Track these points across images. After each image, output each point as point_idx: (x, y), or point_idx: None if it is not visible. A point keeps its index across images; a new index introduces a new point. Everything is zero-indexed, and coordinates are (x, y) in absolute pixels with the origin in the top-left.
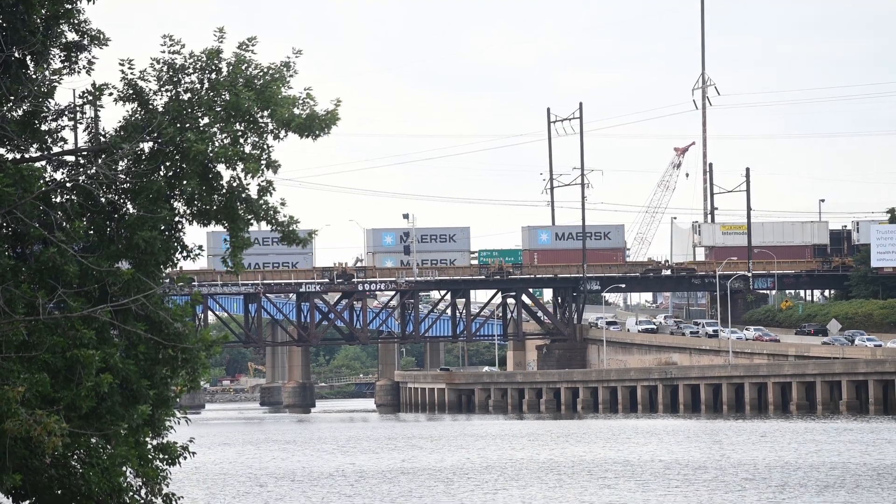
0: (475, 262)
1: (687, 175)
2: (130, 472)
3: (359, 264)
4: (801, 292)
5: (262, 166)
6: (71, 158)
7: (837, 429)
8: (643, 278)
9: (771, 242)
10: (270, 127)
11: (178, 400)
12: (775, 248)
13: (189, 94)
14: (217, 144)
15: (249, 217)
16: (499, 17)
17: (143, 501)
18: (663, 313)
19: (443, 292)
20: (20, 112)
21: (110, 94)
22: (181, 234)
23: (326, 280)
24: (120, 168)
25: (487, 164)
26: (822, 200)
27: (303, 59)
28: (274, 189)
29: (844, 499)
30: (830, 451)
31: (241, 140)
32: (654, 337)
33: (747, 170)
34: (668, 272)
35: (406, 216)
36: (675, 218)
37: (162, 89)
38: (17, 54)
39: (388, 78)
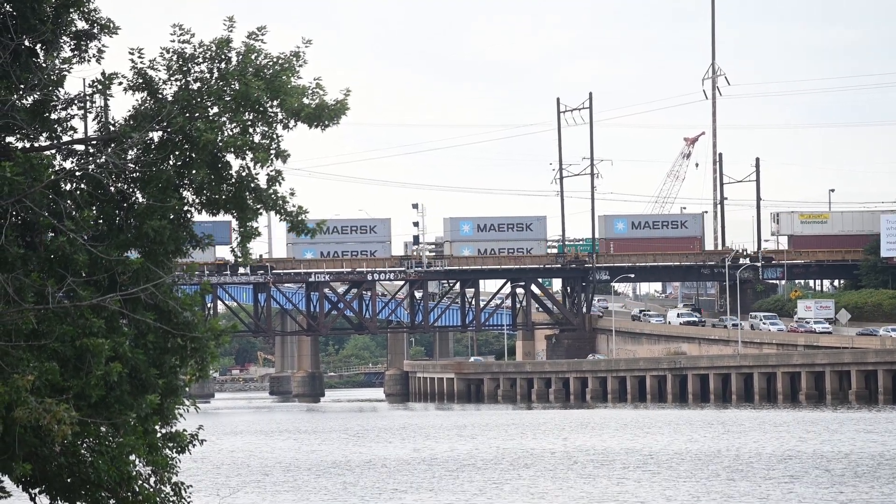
0: (554, 250)
1: (697, 165)
2: (139, 461)
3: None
4: (811, 282)
5: (272, 156)
6: (80, 147)
7: (862, 418)
8: (652, 268)
9: (850, 231)
10: (280, 117)
11: (187, 389)
12: (854, 238)
13: (199, 84)
14: (226, 134)
15: (258, 207)
16: (508, 6)
17: (152, 490)
18: (672, 303)
19: (452, 282)
20: (30, 101)
21: (120, 84)
22: (191, 223)
23: (403, 268)
24: (129, 157)
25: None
26: (832, 190)
27: (312, 48)
28: (283, 179)
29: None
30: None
31: (251, 130)
32: (664, 327)
33: (757, 160)
34: (747, 261)
35: (416, 206)
36: (684, 208)
37: (171, 78)
38: (27, 43)
39: (396, 67)
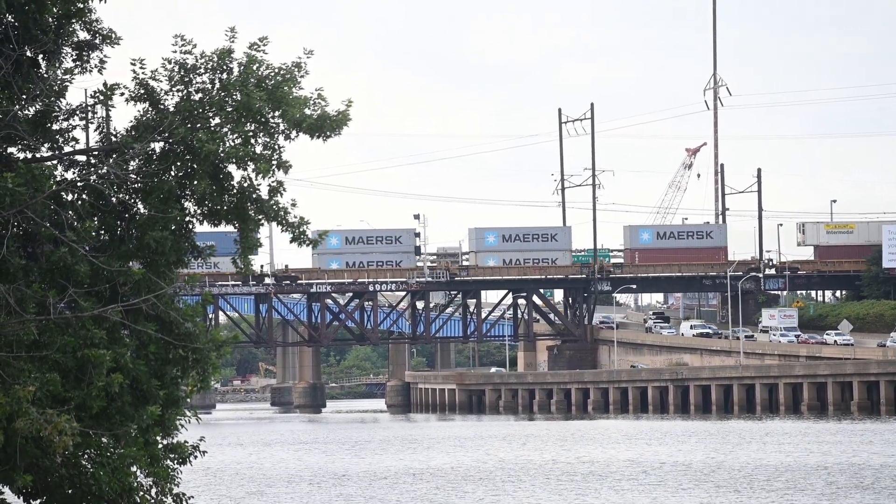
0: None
1: (698, 176)
2: (141, 472)
3: (464, 262)
4: (813, 293)
5: (273, 167)
6: (82, 158)
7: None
8: (654, 279)
9: (876, 241)
10: (281, 127)
11: (188, 400)
12: (880, 248)
13: (200, 94)
14: (228, 144)
15: (260, 218)
16: (509, 16)
17: (153, 501)
18: (674, 314)
19: (453, 293)
20: (32, 111)
21: (122, 94)
22: (192, 234)
23: (429, 279)
24: (131, 168)
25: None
26: (834, 201)
27: (313, 58)
28: (285, 190)
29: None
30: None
31: (252, 140)
32: (666, 338)
33: (759, 170)
34: (772, 271)
35: (417, 217)
36: (685, 219)
37: (173, 89)
38: (28, 53)
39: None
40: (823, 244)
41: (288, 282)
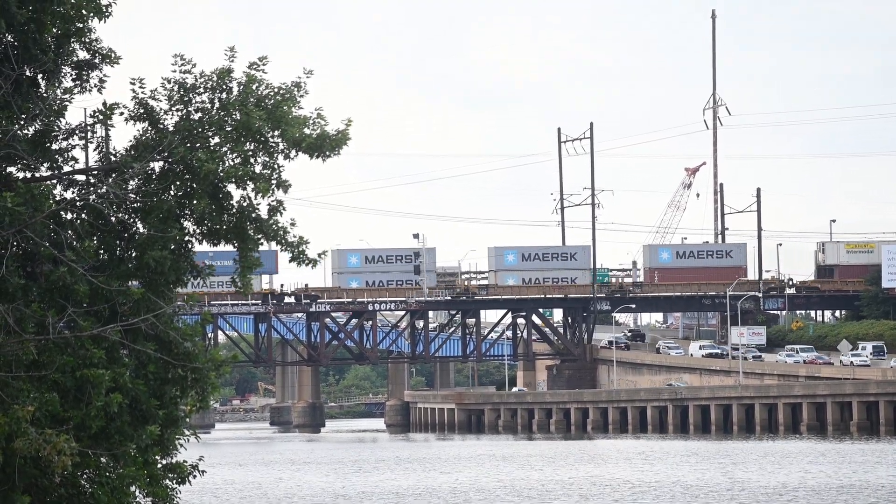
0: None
1: (698, 195)
2: (140, 492)
3: (482, 281)
4: (812, 313)
5: (273, 186)
6: (81, 177)
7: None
8: (654, 298)
9: None
10: (281, 147)
11: (187, 420)
12: None
13: (200, 114)
14: (227, 164)
15: (259, 237)
16: (509, 36)
17: None
18: (673, 334)
19: (453, 312)
20: (31, 131)
21: (121, 114)
22: (192, 253)
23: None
24: (130, 187)
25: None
26: (834, 220)
27: (312, 78)
28: (284, 209)
29: None
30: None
31: (252, 160)
32: (665, 357)
33: (758, 190)
34: (793, 290)
35: (416, 236)
36: (685, 238)
37: (173, 108)
38: (28, 73)
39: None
40: (844, 263)
41: (308, 301)
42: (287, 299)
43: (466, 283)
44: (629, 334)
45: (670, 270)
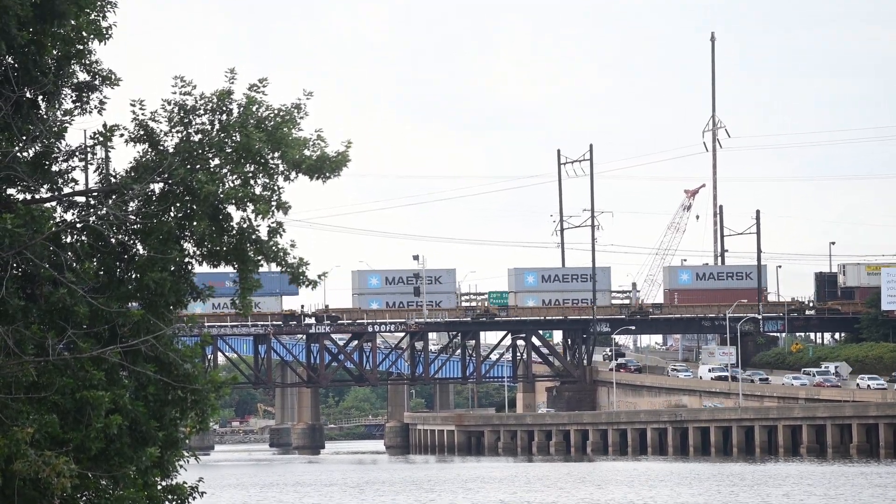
0: (616, 301)
1: (697, 217)
2: None
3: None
4: (812, 335)
5: (273, 208)
6: (81, 199)
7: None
8: (654, 320)
9: None
10: (281, 168)
11: (187, 441)
12: None
13: (200, 135)
14: (227, 185)
15: (259, 258)
16: (509, 58)
17: None
18: (673, 356)
19: (452, 333)
20: (31, 153)
21: (121, 135)
22: (191, 275)
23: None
24: (130, 209)
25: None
26: (833, 243)
27: (312, 99)
28: (284, 230)
29: None
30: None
31: (252, 181)
32: (665, 379)
33: (757, 212)
34: (812, 312)
35: (416, 258)
36: (685, 260)
37: (173, 130)
38: (28, 94)
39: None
40: (864, 285)
41: (329, 322)
42: (307, 320)
43: (486, 304)
44: (609, 353)
45: (691, 292)
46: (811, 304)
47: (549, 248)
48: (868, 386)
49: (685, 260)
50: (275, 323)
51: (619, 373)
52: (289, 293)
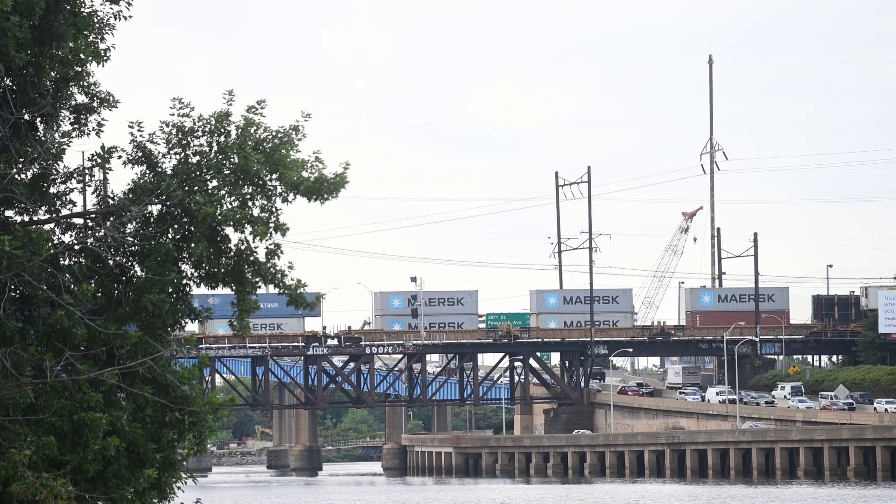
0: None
1: (695, 239)
2: None
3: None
4: (809, 357)
5: (271, 229)
6: (79, 221)
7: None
8: (650, 342)
9: None
10: (279, 190)
11: (185, 463)
12: None
13: (198, 157)
14: (225, 207)
15: (257, 280)
16: (507, 80)
17: None
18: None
19: (450, 356)
20: (29, 174)
21: (119, 157)
22: (189, 296)
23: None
24: (128, 230)
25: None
26: (830, 266)
27: (311, 121)
28: (282, 252)
29: None
30: None
31: (250, 203)
32: (662, 401)
33: (755, 234)
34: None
35: (414, 279)
36: (682, 282)
37: (171, 152)
38: (26, 116)
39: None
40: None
41: (350, 344)
42: (329, 342)
43: (509, 326)
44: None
45: (712, 314)
46: (835, 327)
47: (547, 270)
48: (886, 409)
49: (682, 282)
50: (298, 344)
51: (627, 395)
52: (311, 315)
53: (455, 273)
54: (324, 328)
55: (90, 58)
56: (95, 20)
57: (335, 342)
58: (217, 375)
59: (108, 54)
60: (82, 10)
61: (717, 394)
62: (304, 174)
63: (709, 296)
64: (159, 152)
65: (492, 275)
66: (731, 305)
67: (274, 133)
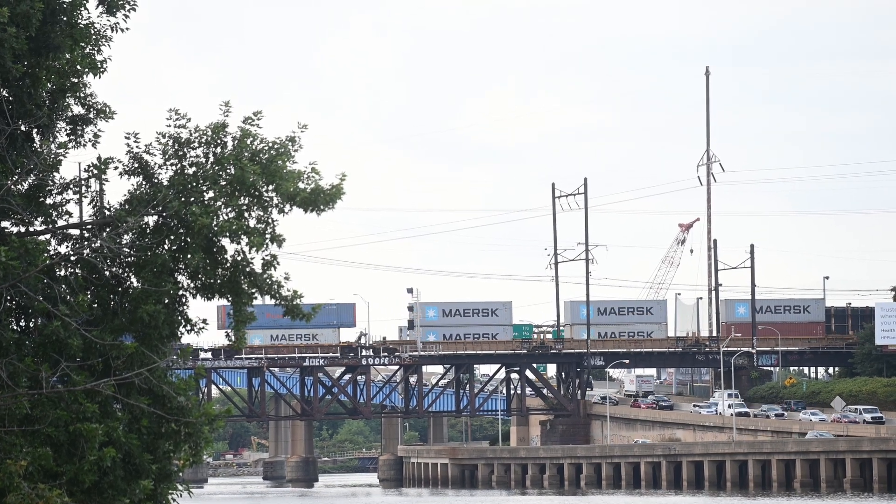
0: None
1: (691, 251)
2: None
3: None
4: (805, 369)
5: (267, 240)
6: (76, 232)
7: None
8: (647, 354)
9: None
10: (275, 201)
11: (180, 474)
12: None
13: (194, 168)
14: (222, 218)
15: (253, 291)
16: (504, 91)
17: None
18: (667, 389)
19: (447, 367)
20: (26, 185)
21: (115, 168)
22: (185, 307)
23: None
24: (124, 241)
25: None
26: (827, 277)
27: (307, 132)
28: (278, 263)
29: None
30: None
31: (246, 214)
32: (658, 413)
33: (751, 246)
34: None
35: (410, 290)
36: (679, 294)
37: (167, 163)
38: (23, 127)
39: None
40: None
41: (386, 354)
42: (364, 352)
43: (542, 337)
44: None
45: (748, 325)
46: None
47: (544, 282)
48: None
49: (679, 294)
50: (332, 355)
51: (640, 408)
52: (346, 325)
53: (450, 284)
54: (358, 338)
55: (87, 69)
56: (92, 32)
57: (370, 352)
58: (213, 386)
59: (104, 66)
60: (79, 21)
61: (728, 406)
62: (301, 185)
63: (744, 307)
64: (156, 163)
65: (488, 286)
66: (766, 317)
67: (270, 144)
